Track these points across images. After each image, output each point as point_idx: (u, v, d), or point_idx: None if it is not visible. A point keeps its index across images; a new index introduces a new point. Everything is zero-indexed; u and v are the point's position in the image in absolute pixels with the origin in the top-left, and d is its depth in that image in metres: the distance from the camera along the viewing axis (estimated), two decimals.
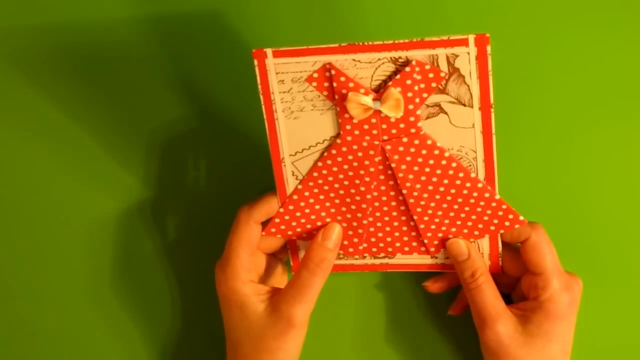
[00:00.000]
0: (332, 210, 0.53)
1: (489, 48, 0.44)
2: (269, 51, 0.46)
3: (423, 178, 0.50)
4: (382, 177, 0.51)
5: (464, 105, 0.47)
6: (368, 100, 0.46)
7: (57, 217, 0.62)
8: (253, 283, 0.53)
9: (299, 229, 0.54)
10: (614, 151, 0.58)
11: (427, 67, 0.46)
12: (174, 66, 0.60)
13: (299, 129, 0.50)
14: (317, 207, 0.53)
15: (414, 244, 0.54)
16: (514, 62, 0.58)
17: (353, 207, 0.52)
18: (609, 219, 0.58)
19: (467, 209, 0.51)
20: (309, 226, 0.54)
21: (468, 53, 0.45)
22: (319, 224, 0.54)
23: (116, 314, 0.62)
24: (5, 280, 0.62)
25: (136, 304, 0.62)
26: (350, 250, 0.55)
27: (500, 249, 0.53)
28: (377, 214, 0.53)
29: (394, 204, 0.52)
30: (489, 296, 0.51)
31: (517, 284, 0.55)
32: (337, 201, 0.52)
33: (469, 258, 0.52)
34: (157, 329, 0.62)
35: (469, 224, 0.52)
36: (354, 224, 0.53)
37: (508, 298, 0.56)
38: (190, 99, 0.60)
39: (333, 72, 0.47)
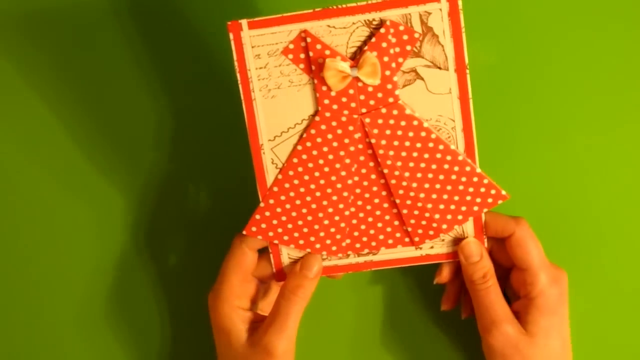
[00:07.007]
0: (313, 205, 0.52)
1: (460, 3, 0.46)
2: (244, 22, 0.47)
3: (403, 154, 0.50)
4: (362, 157, 0.50)
5: (440, 68, 0.48)
6: (345, 66, 0.47)
7: (48, 240, 0.61)
8: (242, 310, 0.53)
9: (279, 229, 0.52)
10: (605, 137, 0.59)
11: (401, 27, 0.47)
12: (170, 98, 0.60)
13: (277, 109, 0.49)
14: (298, 202, 0.52)
15: (398, 234, 0.53)
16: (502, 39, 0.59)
17: (334, 197, 0.51)
18: (595, 204, 0.59)
19: (449, 187, 0.51)
20: (290, 226, 0.52)
21: (440, 9, 0.46)
22: (300, 222, 0.52)
23: (108, 342, 0.61)
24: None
25: (129, 330, 0.61)
26: (334, 248, 0.53)
27: (484, 231, 0.52)
28: (359, 202, 0.52)
29: (375, 189, 0.51)
30: (497, 298, 0.51)
31: (507, 279, 0.54)
32: (317, 194, 0.51)
33: (481, 259, 0.52)
34: (149, 355, 0.61)
35: (452, 207, 0.52)
36: (336, 217, 0.52)
37: None
38: (187, 127, 0.60)
39: (309, 39, 0.47)
